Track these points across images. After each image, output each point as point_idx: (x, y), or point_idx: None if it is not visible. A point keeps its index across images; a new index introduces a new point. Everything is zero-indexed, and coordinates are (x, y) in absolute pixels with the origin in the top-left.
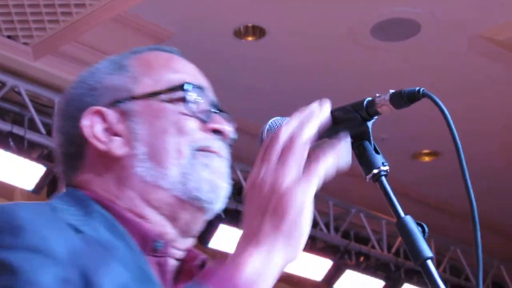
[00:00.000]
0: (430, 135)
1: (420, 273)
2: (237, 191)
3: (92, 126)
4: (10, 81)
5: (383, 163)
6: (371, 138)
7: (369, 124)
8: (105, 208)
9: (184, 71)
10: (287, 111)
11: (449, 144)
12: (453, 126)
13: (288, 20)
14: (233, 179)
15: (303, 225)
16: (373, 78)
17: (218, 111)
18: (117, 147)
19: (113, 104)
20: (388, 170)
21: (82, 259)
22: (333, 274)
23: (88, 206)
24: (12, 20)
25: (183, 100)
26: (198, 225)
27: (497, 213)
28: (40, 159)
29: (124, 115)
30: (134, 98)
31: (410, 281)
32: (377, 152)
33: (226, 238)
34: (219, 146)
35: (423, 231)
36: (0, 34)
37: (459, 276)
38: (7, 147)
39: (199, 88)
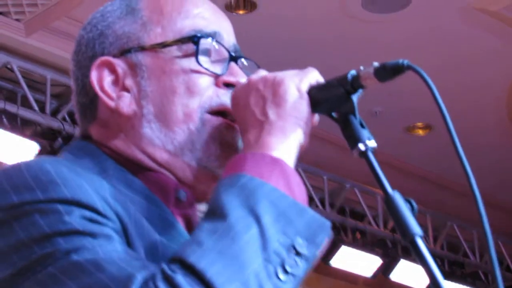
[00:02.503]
0: (424, 108)
1: None
2: None
3: (100, 79)
4: (3, 57)
5: (368, 138)
6: (356, 112)
7: (354, 98)
8: (121, 164)
9: (197, 14)
10: None
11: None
12: (438, 97)
13: None
14: None
15: (302, 108)
16: (364, 51)
17: (237, 58)
18: (125, 105)
19: (123, 53)
20: (375, 145)
21: (116, 208)
22: (329, 251)
23: (102, 161)
24: None
25: (193, 53)
26: None
27: (494, 189)
28: (33, 136)
29: (133, 68)
30: (143, 48)
31: (407, 257)
32: (362, 127)
33: None
34: None
35: (412, 208)
36: None
37: (456, 253)
38: (0, 125)
39: (213, 34)
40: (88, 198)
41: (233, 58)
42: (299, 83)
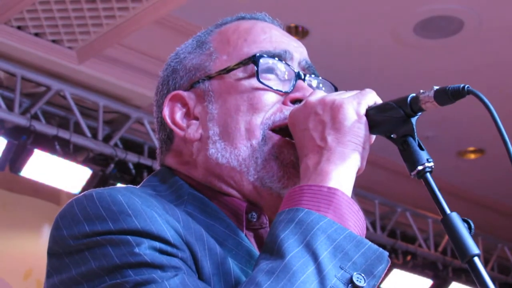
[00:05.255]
0: (475, 132)
1: (468, 272)
2: None
3: (172, 113)
4: (55, 85)
5: (427, 159)
6: (415, 134)
7: (413, 120)
8: (196, 189)
9: (263, 39)
10: None
11: (494, 141)
12: (499, 121)
13: (331, 21)
14: None
15: (360, 133)
16: (416, 76)
17: (304, 76)
18: (193, 131)
19: (192, 85)
20: (433, 167)
21: (187, 237)
22: None
23: (179, 188)
24: (57, 24)
25: (256, 73)
26: None
27: None
28: (86, 162)
29: (201, 96)
30: (209, 77)
31: (458, 280)
32: (421, 149)
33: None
34: None
35: (470, 228)
36: (45, 39)
37: (507, 274)
38: (53, 151)
39: (283, 54)
40: (159, 228)
41: (300, 76)
42: (357, 106)
